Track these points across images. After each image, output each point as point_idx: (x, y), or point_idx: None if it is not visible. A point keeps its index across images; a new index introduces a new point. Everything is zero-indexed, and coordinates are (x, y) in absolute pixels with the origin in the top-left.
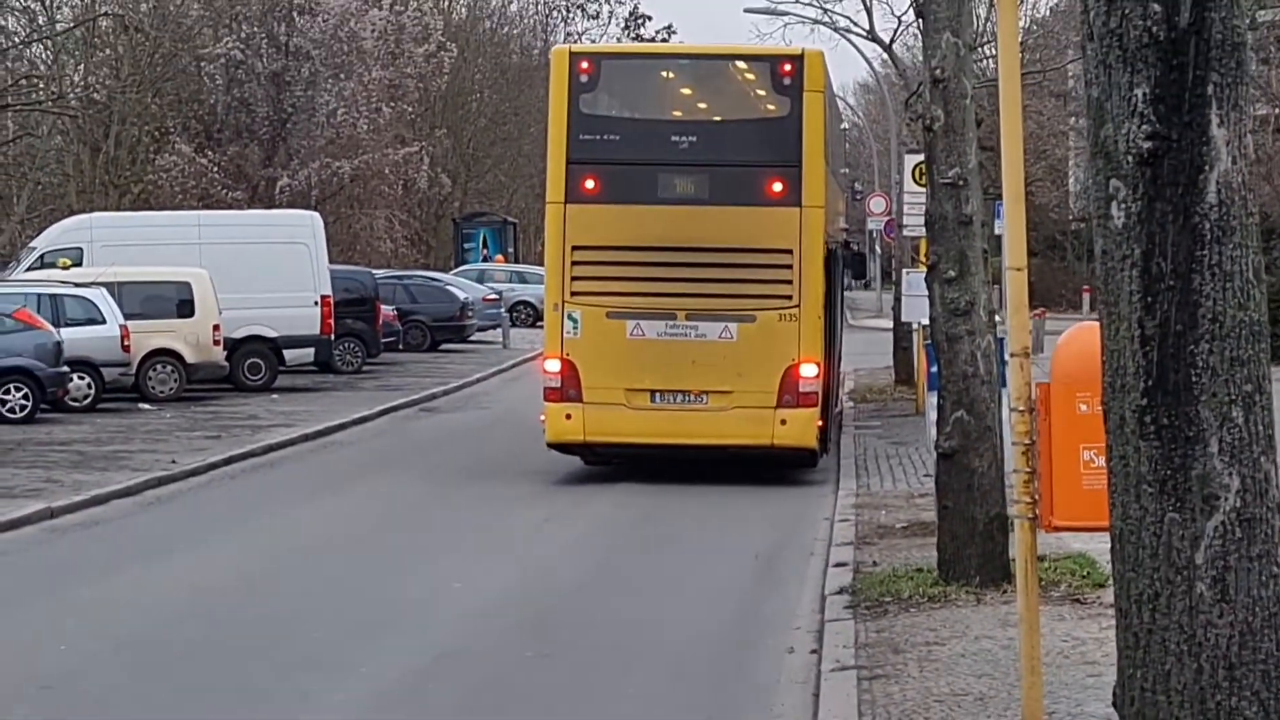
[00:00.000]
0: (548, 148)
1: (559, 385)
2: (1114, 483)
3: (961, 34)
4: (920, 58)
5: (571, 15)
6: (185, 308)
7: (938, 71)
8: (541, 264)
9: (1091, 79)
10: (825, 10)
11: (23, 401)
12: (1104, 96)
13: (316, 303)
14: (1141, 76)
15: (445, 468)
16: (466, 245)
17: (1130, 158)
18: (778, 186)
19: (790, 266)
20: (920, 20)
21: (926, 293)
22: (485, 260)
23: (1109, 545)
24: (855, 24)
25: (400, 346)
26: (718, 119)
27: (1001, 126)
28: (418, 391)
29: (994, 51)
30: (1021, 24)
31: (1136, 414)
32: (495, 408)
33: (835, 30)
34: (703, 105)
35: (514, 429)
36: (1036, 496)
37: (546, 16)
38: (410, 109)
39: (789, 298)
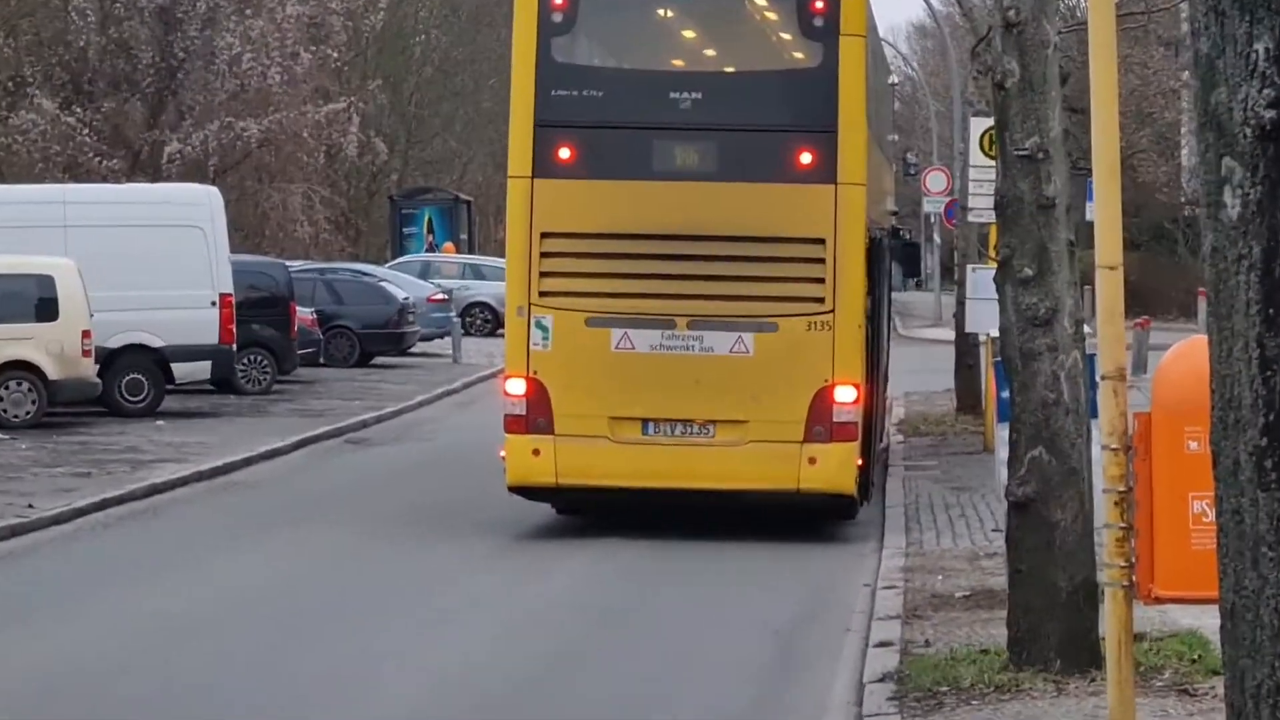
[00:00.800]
0: (511, 105)
1: (524, 412)
2: (1225, 544)
3: None
4: None
5: None
6: (46, 309)
7: (1011, 12)
8: (503, 255)
9: (1200, 29)
10: None
11: None
12: (1215, 52)
13: (214, 303)
14: (1263, 27)
15: (378, 517)
16: (407, 230)
17: (1248, 130)
18: (807, 158)
19: (822, 261)
20: None
21: (996, 296)
22: (431, 250)
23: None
24: None
25: (321, 360)
26: (730, 70)
27: (1093, 83)
28: (344, 418)
29: None
30: None
31: (1254, 457)
32: (442, 440)
33: None
34: (711, 52)
35: (466, 467)
36: (1133, 559)
37: None
38: (336, 54)
39: (821, 300)
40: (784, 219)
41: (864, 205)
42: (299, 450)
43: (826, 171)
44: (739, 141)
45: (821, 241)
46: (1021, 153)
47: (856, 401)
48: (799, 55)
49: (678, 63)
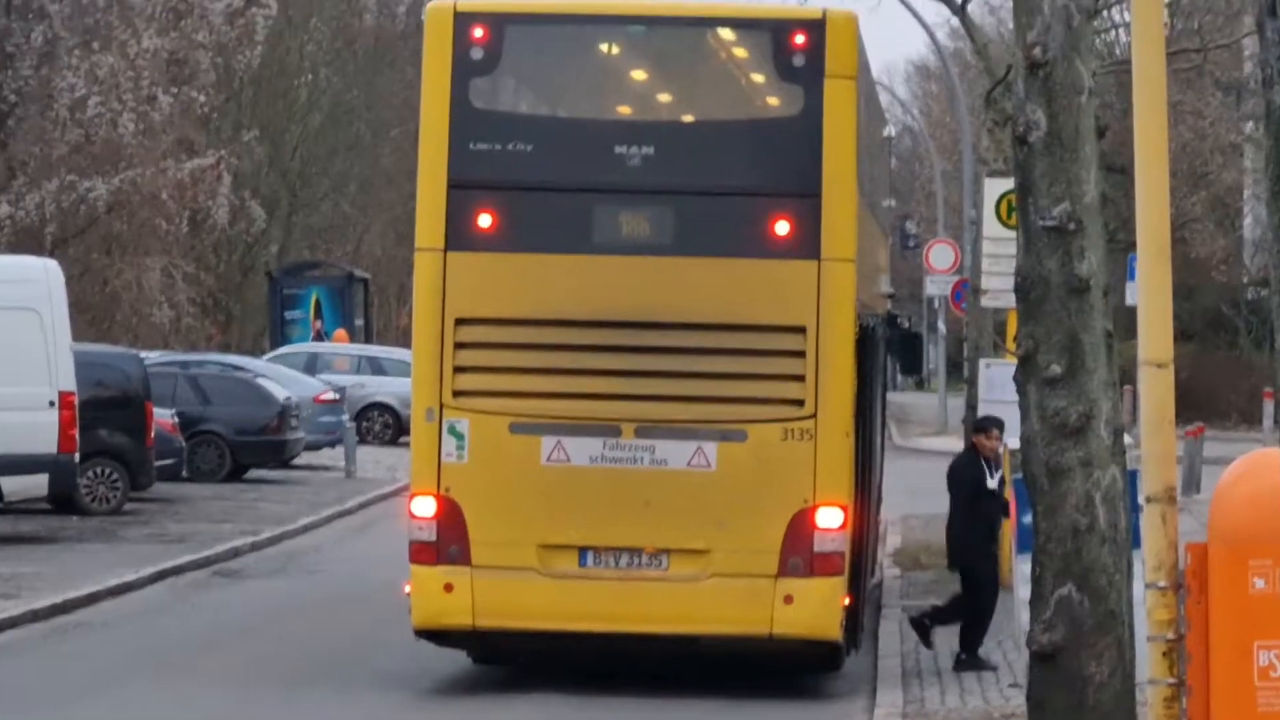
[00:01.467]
0: (419, 162)
1: (434, 538)
2: None
3: None
4: (1009, 26)
5: None
6: None
7: (1037, 50)
8: (407, 345)
9: (1275, 74)
10: None
11: None
12: None
13: (52, 403)
14: None
15: (255, 668)
16: (290, 314)
17: None
18: (783, 227)
19: (802, 354)
20: None
21: (1016, 398)
22: (319, 338)
23: None
24: None
25: (184, 473)
26: (689, 119)
27: (1137, 137)
28: (212, 544)
29: (1125, 17)
30: None
31: None
32: (333, 572)
33: None
34: (665, 98)
35: (362, 606)
36: None
37: None
38: (203, 98)
39: (799, 403)
40: (755, 303)
41: (853, 286)
42: (157, 584)
43: (808, 244)
44: (700, 207)
45: (801, 330)
46: (1048, 222)
47: (843, 527)
48: (774, 101)
49: (625, 110)
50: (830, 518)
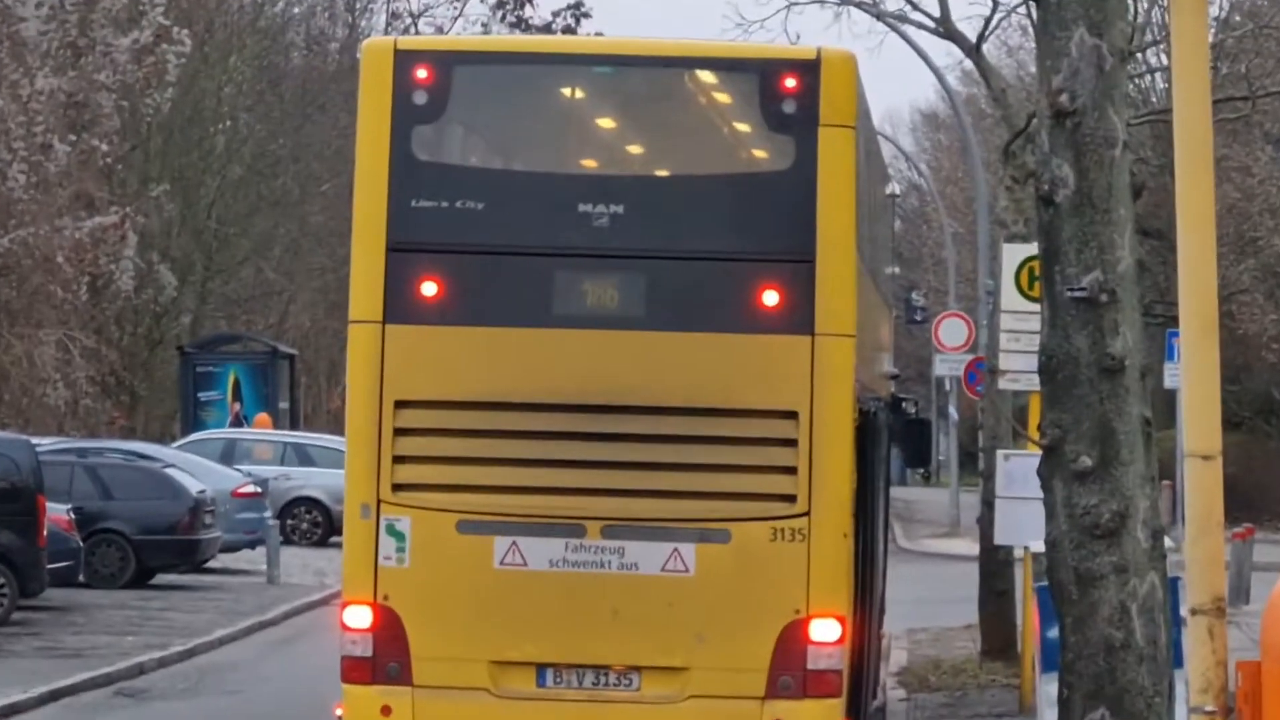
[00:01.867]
0: (354, 221)
1: (370, 653)
2: None
3: (1107, 30)
4: (1030, 70)
5: None
6: None
7: (1064, 98)
8: (340, 432)
9: None
10: None
11: None
12: None
13: None
14: None
15: None
16: (204, 396)
17: None
18: (772, 297)
19: (794, 443)
20: (1034, 5)
21: (1040, 495)
22: (238, 423)
23: None
24: (916, 5)
25: (81, 578)
26: (663, 174)
27: (1179, 195)
28: (113, 660)
29: (1163, 60)
30: (1214, 12)
31: None
32: (253, 692)
33: (879, 17)
34: (637, 149)
35: None
36: None
37: None
38: (105, 146)
39: (791, 499)
40: (740, 384)
41: (852, 365)
42: (49, 705)
43: (800, 317)
44: (676, 274)
45: (793, 416)
46: (1077, 293)
47: (840, 640)
48: (762, 154)
49: (590, 163)
50: (826, 630)
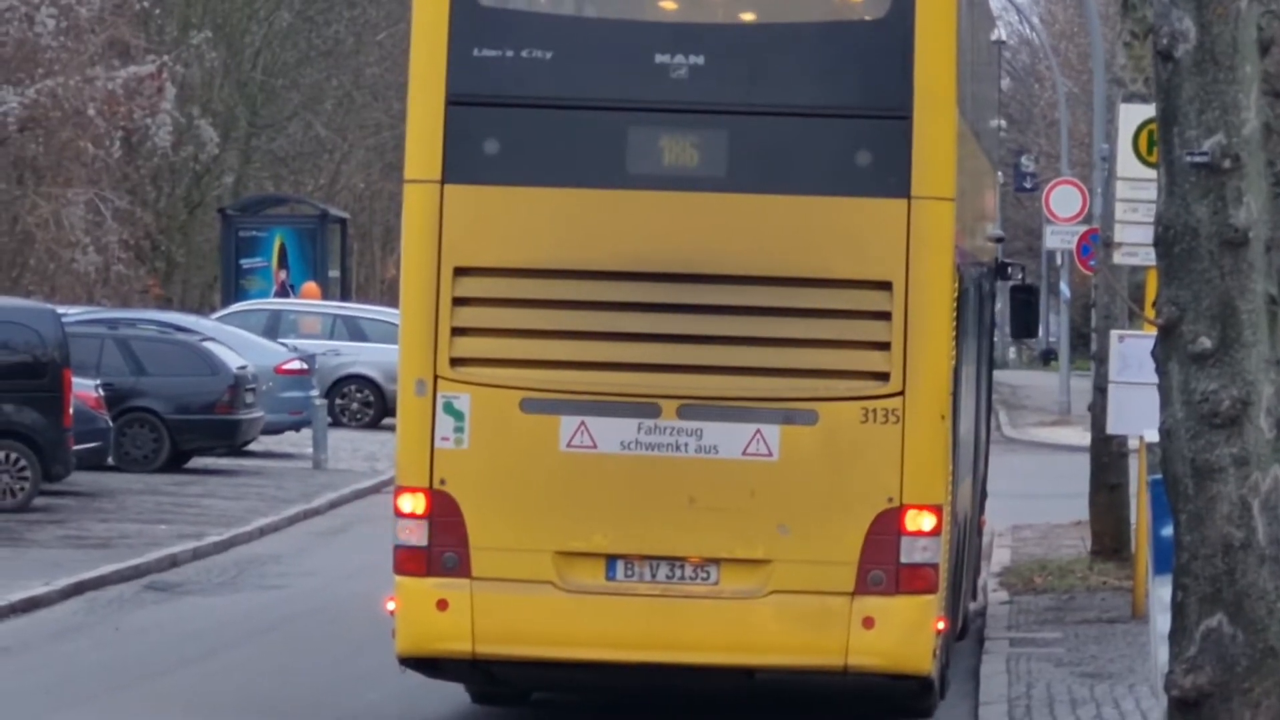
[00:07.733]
0: (410, 73)
1: (425, 543)
2: None
3: None
4: None
5: None
6: None
7: None
8: (394, 303)
9: None
10: None
11: None
12: None
13: None
14: None
15: (195, 708)
16: (247, 263)
17: None
18: (865, 157)
19: (887, 316)
20: None
21: (1156, 379)
22: (283, 292)
23: None
24: None
25: (111, 461)
26: (748, 20)
27: None
28: (144, 551)
29: None
30: None
31: None
32: (296, 587)
33: None
34: None
35: (333, 629)
36: None
37: None
38: None
39: (884, 377)
40: (829, 252)
41: (951, 231)
42: (73, 599)
43: (895, 178)
44: (760, 131)
45: (886, 286)
46: (1197, 158)
47: (936, 532)
48: (856, 0)
49: (668, 7)
50: (921, 521)
